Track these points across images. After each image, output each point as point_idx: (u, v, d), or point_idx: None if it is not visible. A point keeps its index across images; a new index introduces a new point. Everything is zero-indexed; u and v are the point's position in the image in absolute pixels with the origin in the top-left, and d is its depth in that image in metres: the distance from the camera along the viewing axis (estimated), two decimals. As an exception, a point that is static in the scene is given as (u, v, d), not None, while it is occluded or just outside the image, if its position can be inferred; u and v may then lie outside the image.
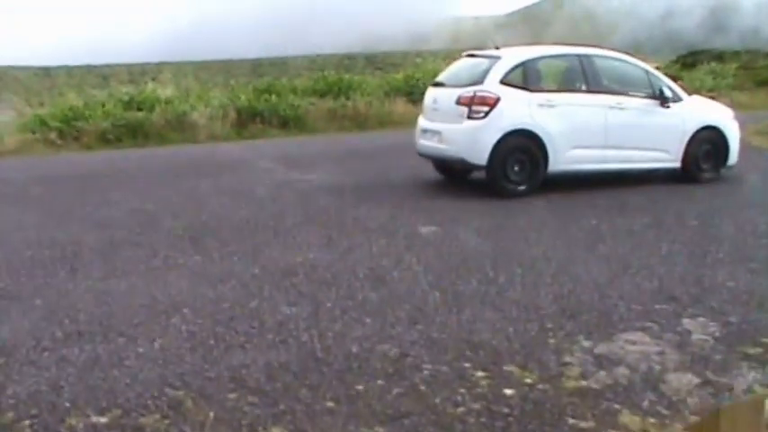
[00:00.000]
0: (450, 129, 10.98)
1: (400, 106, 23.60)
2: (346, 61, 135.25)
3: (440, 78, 12.38)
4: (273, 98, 22.21)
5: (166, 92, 23.66)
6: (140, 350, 5.14)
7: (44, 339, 5.36)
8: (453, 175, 12.25)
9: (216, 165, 14.77)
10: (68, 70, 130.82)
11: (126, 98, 22.08)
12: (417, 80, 25.02)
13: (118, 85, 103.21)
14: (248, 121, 21.41)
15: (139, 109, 21.23)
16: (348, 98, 23.29)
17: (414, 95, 23.84)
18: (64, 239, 8.31)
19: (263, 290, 6.41)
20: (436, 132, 11.28)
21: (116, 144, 19.98)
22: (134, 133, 20.26)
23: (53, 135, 20.10)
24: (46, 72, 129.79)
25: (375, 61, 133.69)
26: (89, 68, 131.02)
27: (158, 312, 5.89)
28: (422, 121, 11.97)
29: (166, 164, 15.41)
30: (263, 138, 20.80)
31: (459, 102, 10.82)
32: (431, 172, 12.44)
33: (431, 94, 11.94)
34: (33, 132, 20.42)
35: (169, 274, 6.88)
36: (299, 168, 13.96)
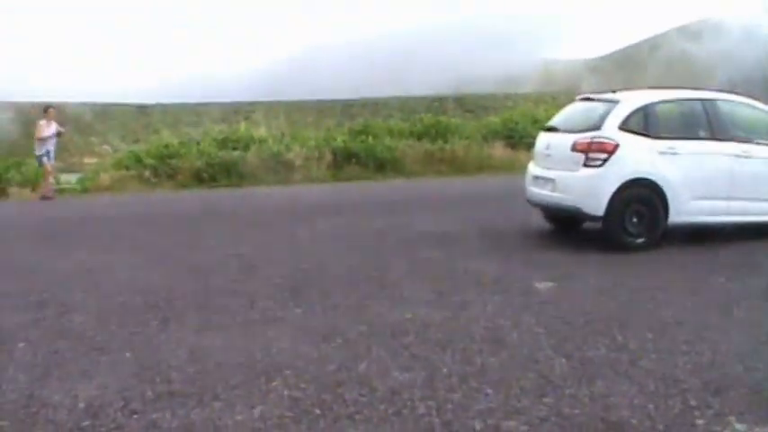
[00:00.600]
0: (565, 176, 10.27)
1: (498, 150, 23.02)
2: (436, 103, 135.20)
3: (553, 123, 11.64)
4: (370, 140, 21.82)
5: (260, 131, 23.49)
6: (238, 418, 4.56)
7: (134, 400, 4.84)
8: (565, 226, 11.48)
9: (313, 207, 14.32)
10: (164, 108, 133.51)
11: (220, 137, 21.96)
12: (516, 123, 24.41)
13: (211, 124, 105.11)
14: (344, 162, 21.06)
15: (234, 148, 21.05)
16: (446, 141, 22.75)
17: (512, 139, 23.25)
18: (157, 284, 7.83)
19: (372, 350, 5.79)
20: (549, 180, 10.57)
21: (210, 183, 19.80)
22: (228, 172, 20.06)
23: (147, 172, 20.04)
24: (142, 110, 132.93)
25: (465, 104, 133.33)
26: (183, 106, 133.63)
27: (258, 373, 5.31)
28: (533, 168, 11.27)
29: (262, 205, 15.06)
30: (359, 180, 20.38)
31: (574, 148, 10.11)
32: (540, 221, 11.71)
33: (543, 139, 11.22)
34: (128, 169, 20.39)
35: (268, 329, 6.30)
36: (399, 214, 13.36)
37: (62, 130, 18.74)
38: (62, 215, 14.41)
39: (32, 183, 20.11)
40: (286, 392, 4.97)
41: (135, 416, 4.60)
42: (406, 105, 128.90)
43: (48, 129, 18.14)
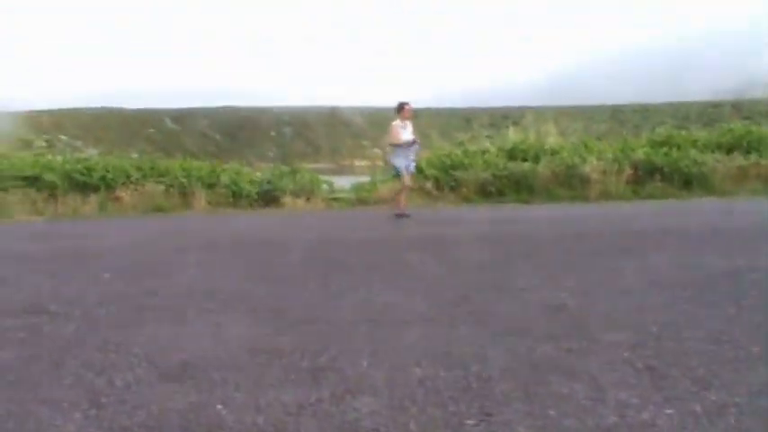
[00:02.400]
0: None
1: (828, 166, 19.82)
2: (710, 109, 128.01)
3: None
4: (674, 152, 19.37)
5: (549, 140, 21.59)
6: None
7: None
8: None
9: (626, 233, 12.09)
10: (434, 113, 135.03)
11: (509, 146, 20.26)
12: None
13: (479, 129, 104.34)
14: (646, 177, 18.74)
15: (524, 159, 19.28)
16: (760, 155, 19.84)
17: None
18: (463, 352, 5.43)
19: None
20: None
21: (497, 197, 18.15)
22: (517, 186, 18.32)
23: (429, 184, 18.67)
24: (413, 113, 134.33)
25: (741, 109, 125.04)
26: (453, 111, 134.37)
27: None
28: None
29: (563, 227, 12.95)
30: (662, 198, 18.04)
31: None
32: None
33: None
34: (407, 181, 19.12)
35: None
36: (745, 251, 10.02)
37: (416, 139, 15.51)
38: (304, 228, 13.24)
39: (307, 192, 19.32)
40: None
41: None
42: (679, 111, 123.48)
43: (403, 132, 15.14)
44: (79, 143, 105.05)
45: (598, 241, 10.89)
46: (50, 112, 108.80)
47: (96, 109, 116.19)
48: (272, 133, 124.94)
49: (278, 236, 12.61)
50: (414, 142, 15.23)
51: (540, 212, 15.72)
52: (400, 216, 14.85)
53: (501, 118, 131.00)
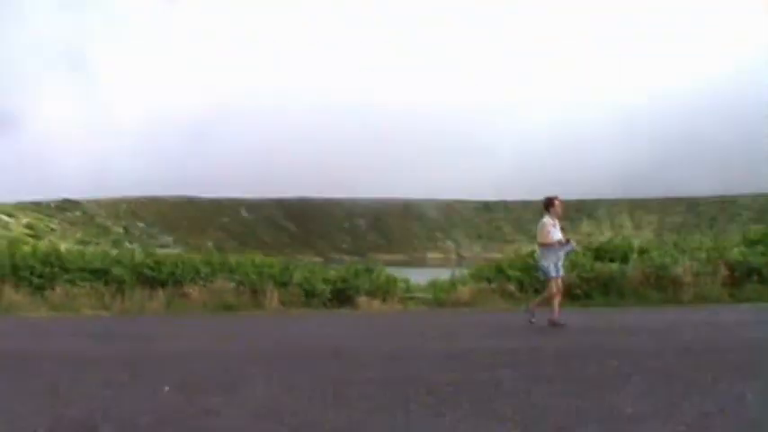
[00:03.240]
0: None
1: None
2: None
3: None
4: (773, 252, 18.18)
5: (635, 240, 20.56)
6: None
7: None
8: None
9: (741, 346, 10.87)
10: (506, 205, 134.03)
11: (594, 245, 19.26)
12: None
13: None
14: (742, 279, 17.52)
15: (611, 260, 18.25)
16: None
17: None
18: None
19: None
20: None
21: (584, 301, 17.11)
22: (606, 288, 17.27)
23: (512, 286, 17.72)
24: (486, 206, 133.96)
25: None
26: (525, 204, 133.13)
27: None
28: None
29: (666, 338, 11.79)
30: (760, 301, 16.81)
31: None
32: None
33: None
34: (489, 281, 18.19)
35: None
36: None
37: (569, 238, 14.07)
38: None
39: (383, 292, 18.49)
40: None
41: None
42: (757, 202, 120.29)
43: (554, 230, 13.48)
44: (155, 230, 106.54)
45: (708, 356, 9.80)
46: (127, 199, 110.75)
47: (173, 197, 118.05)
48: (346, 224, 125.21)
49: (353, 345, 11.72)
50: (568, 242, 13.82)
51: (634, 319, 14.66)
52: (555, 325, 13.30)
53: (575, 210, 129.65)
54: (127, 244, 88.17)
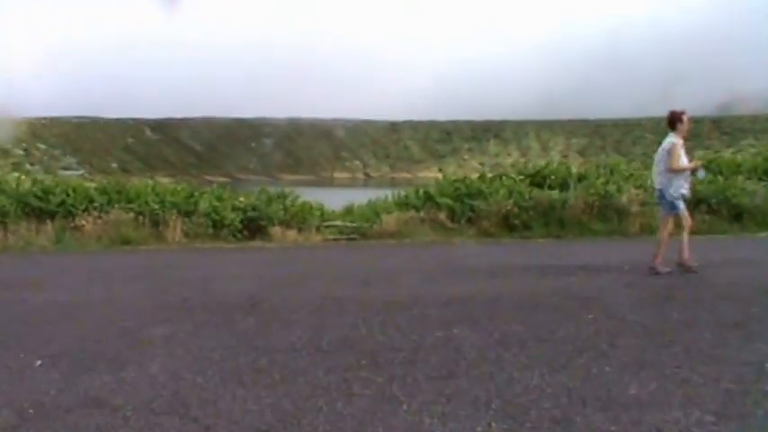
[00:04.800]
0: None
1: None
2: (692, 124, 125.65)
3: None
4: (720, 180, 16.88)
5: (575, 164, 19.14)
6: None
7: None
8: None
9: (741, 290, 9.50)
10: (413, 125, 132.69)
11: (530, 171, 17.74)
12: None
13: (461, 142, 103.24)
14: (691, 209, 16.20)
15: (550, 187, 16.74)
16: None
17: None
18: None
19: None
20: None
21: (523, 232, 15.61)
22: (546, 218, 15.77)
23: (442, 215, 16.10)
24: (393, 126, 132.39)
25: (722, 126, 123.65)
26: (432, 123, 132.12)
27: None
28: None
29: (640, 282, 10.31)
30: (710, 233, 15.58)
31: None
32: None
33: None
34: (417, 210, 16.52)
35: None
36: None
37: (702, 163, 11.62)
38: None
39: (299, 221, 16.68)
40: None
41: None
42: (659, 126, 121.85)
43: (683, 153, 10.69)
44: (58, 152, 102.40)
45: (700, 306, 8.32)
46: (28, 121, 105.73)
47: (76, 118, 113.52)
48: (253, 144, 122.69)
49: (271, 293, 9.89)
50: (702, 167, 11.25)
51: (587, 254, 13.17)
52: (656, 272, 10.61)
53: (481, 131, 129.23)
54: (28, 166, 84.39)
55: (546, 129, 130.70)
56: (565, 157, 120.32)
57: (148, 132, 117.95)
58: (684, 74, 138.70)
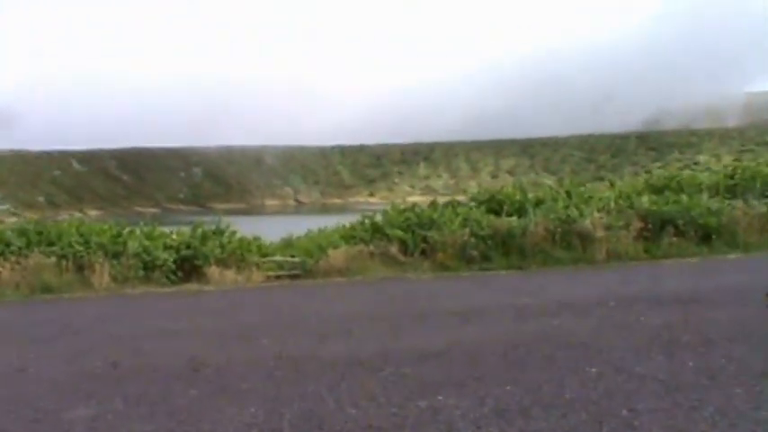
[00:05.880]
0: None
1: None
2: (618, 141, 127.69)
3: None
4: (684, 199, 15.96)
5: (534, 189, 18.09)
6: None
7: None
8: None
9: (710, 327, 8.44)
10: (343, 150, 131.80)
11: (484, 197, 16.66)
12: None
13: (391, 165, 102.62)
14: (657, 231, 15.26)
15: (509, 213, 15.65)
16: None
17: None
18: None
19: None
20: None
21: (482, 264, 14.49)
22: (505, 248, 14.67)
23: (394, 248, 14.91)
24: (322, 151, 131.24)
25: (648, 141, 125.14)
26: (362, 148, 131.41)
27: None
28: None
29: (632, 320, 9.21)
30: (679, 257, 14.69)
31: None
32: None
33: None
34: (366, 243, 15.28)
35: None
36: None
37: None
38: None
39: (237, 259, 15.32)
40: None
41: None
42: (587, 144, 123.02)
43: None
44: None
45: (714, 351, 7.21)
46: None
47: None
48: (182, 174, 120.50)
49: (215, 351, 8.52)
50: None
51: (561, 287, 12.12)
52: None
53: (411, 154, 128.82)
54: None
55: (475, 150, 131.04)
56: (495, 177, 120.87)
57: (75, 164, 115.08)
58: (613, 91, 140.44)
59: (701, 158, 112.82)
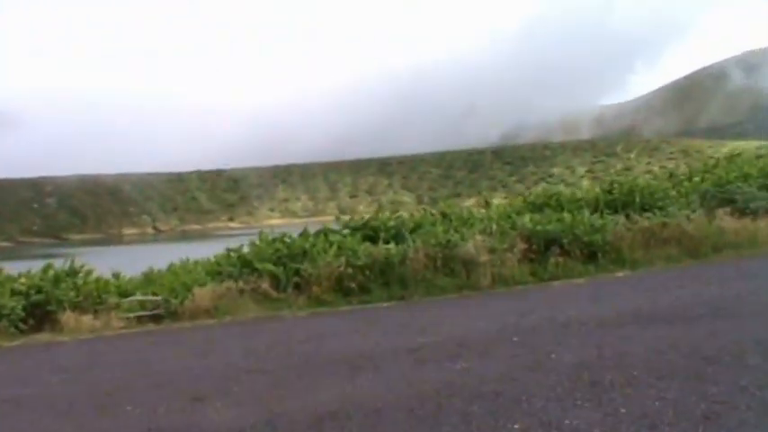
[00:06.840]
0: None
1: (727, 221, 16.64)
2: (474, 156, 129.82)
3: None
4: (567, 217, 15.32)
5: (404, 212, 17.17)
6: None
7: None
8: None
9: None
10: (200, 175, 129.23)
11: (357, 223, 15.68)
12: (733, 183, 18.22)
13: (249, 189, 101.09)
14: (542, 252, 14.56)
15: (386, 241, 14.66)
16: (665, 214, 16.21)
17: (735, 204, 17.24)
18: None
19: None
20: None
21: (361, 296, 13.47)
22: (385, 277, 13.69)
23: (265, 284, 13.72)
24: (179, 177, 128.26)
25: (503, 156, 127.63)
26: (219, 173, 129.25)
27: None
28: None
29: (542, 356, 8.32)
30: (567, 277, 14.06)
31: None
32: None
33: None
34: (235, 280, 14.02)
35: None
36: None
37: None
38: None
39: (94, 302, 13.84)
40: None
41: None
42: (444, 160, 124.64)
43: None
44: None
45: (648, 392, 6.35)
46: None
47: None
48: (35, 205, 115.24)
49: (71, 426, 7.16)
50: None
51: (445, 319, 11.19)
52: None
53: (270, 177, 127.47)
54: None
55: (333, 170, 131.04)
56: (354, 197, 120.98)
57: None
58: (474, 106, 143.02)
59: (555, 171, 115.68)
